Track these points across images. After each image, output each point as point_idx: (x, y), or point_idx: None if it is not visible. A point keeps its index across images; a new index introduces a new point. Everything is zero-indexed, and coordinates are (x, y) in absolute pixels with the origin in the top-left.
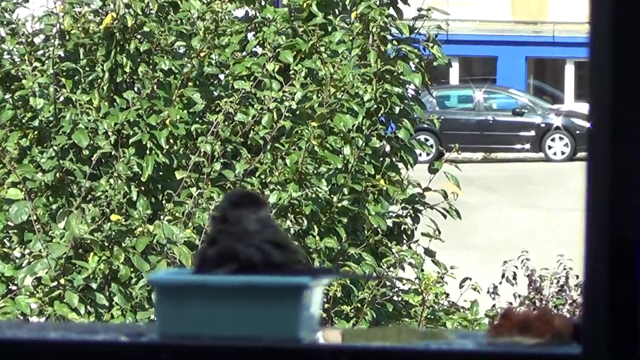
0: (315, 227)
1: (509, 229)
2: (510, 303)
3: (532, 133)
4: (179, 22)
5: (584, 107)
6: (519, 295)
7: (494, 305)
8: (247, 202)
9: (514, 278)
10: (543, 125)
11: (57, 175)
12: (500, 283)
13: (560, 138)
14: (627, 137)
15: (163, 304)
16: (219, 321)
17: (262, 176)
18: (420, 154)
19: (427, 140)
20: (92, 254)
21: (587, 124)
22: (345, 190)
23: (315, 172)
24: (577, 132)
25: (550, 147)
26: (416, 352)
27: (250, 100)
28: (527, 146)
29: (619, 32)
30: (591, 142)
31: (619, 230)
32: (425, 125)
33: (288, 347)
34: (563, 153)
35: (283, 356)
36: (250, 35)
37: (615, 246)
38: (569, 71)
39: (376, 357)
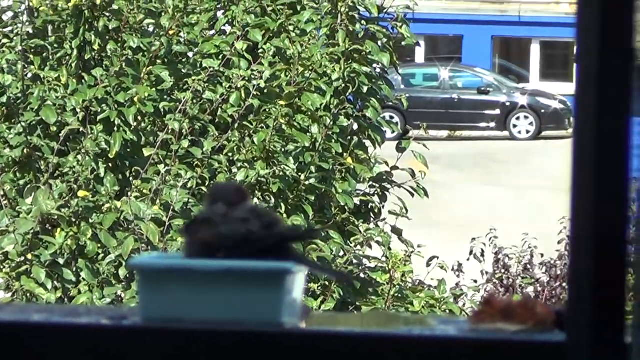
0: (282, 204)
1: (473, 206)
2: (475, 281)
3: (497, 112)
4: (147, 0)
5: (549, 87)
6: (487, 273)
7: (457, 284)
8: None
9: (482, 255)
10: (508, 104)
11: (25, 151)
12: (468, 260)
13: (525, 117)
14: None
15: (145, 288)
16: (202, 305)
17: (230, 154)
18: (385, 132)
19: (392, 118)
20: (59, 229)
21: (552, 103)
22: (313, 169)
23: (282, 150)
24: (542, 111)
25: (515, 126)
26: (399, 338)
27: (218, 78)
28: (492, 124)
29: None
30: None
31: (604, 222)
32: (391, 104)
33: (270, 331)
34: (528, 132)
35: (265, 340)
36: (219, 14)
37: (601, 237)
38: (535, 50)
39: (358, 342)
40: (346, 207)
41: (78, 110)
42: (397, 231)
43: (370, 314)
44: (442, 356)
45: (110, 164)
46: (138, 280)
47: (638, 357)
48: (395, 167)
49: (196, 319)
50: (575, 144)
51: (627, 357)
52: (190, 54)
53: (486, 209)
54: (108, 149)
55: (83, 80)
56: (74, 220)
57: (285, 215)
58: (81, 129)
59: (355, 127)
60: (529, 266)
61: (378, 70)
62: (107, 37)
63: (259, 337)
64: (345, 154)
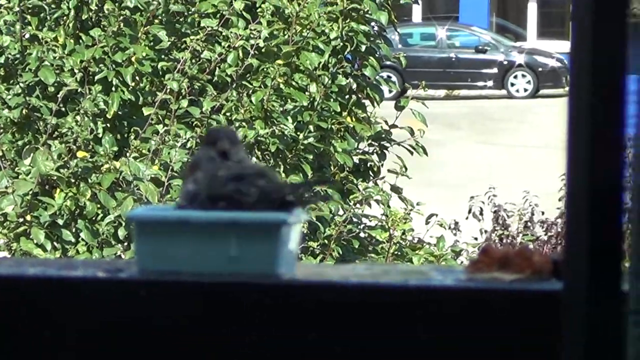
0: (281, 164)
1: (471, 165)
2: (475, 238)
3: (495, 70)
4: None
5: (546, 45)
6: (485, 231)
7: (456, 241)
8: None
9: (481, 213)
10: (505, 62)
11: (24, 112)
12: (467, 218)
13: (523, 75)
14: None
15: (141, 240)
16: (198, 257)
17: (228, 113)
18: (383, 91)
19: (390, 77)
20: (58, 190)
21: (549, 62)
22: (311, 128)
23: (281, 109)
24: (540, 69)
25: (512, 85)
26: (395, 288)
27: (216, 38)
28: (490, 83)
29: None
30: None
31: (599, 173)
32: (389, 63)
33: (267, 282)
34: (525, 90)
35: (262, 292)
36: None
37: (597, 186)
38: (532, 9)
39: (355, 292)
40: (345, 166)
41: (76, 71)
42: (396, 189)
43: (366, 265)
44: (438, 306)
45: (109, 124)
46: (135, 232)
47: (635, 305)
48: (394, 126)
49: (192, 271)
50: (571, 101)
51: (623, 305)
52: (188, 14)
53: (484, 168)
54: (106, 109)
55: (80, 41)
56: (73, 180)
57: (284, 175)
58: (79, 90)
59: (354, 86)
60: (529, 224)
61: (376, 29)
62: None
63: (255, 288)
64: (343, 113)
